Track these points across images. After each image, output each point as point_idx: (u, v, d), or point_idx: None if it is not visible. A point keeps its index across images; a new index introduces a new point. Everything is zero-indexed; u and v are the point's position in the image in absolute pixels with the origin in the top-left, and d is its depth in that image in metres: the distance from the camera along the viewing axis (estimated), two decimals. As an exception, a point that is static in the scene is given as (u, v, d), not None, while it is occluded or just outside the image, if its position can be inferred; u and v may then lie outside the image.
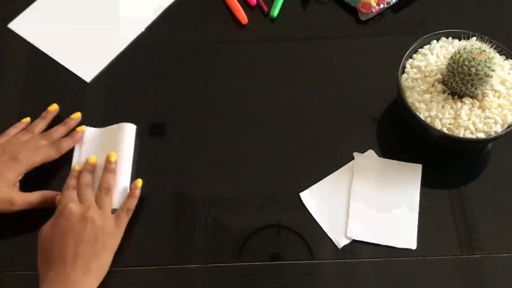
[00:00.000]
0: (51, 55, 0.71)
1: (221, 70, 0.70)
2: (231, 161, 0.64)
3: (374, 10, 0.72)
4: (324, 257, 0.58)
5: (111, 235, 0.55)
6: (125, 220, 0.57)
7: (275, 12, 0.73)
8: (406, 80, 0.62)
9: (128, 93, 0.69)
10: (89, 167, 0.60)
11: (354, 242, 0.59)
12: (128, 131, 0.63)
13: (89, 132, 0.64)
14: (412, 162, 0.63)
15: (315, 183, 0.62)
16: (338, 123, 0.66)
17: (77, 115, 0.64)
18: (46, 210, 0.58)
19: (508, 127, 0.59)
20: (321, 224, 0.60)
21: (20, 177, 0.57)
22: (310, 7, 0.75)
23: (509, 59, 0.63)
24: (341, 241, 0.59)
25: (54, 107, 0.64)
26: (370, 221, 0.60)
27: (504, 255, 0.58)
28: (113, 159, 0.60)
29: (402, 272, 0.57)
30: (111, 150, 0.62)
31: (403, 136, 0.65)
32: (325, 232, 0.59)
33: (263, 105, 0.68)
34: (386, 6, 0.73)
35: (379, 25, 0.73)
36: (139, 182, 0.59)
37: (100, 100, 0.67)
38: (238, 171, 0.63)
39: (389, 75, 0.63)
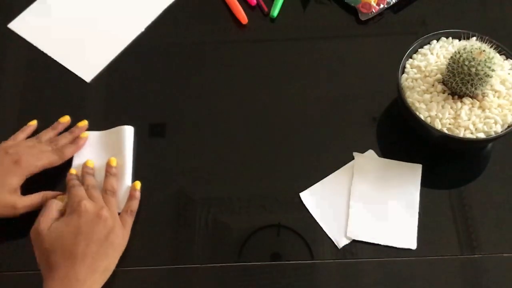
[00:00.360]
0: (51, 55, 0.71)
1: (221, 70, 0.71)
2: (231, 161, 0.64)
3: (374, 10, 0.73)
4: (324, 257, 0.58)
5: (120, 236, 0.56)
6: (130, 221, 0.58)
7: (275, 12, 0.74)
8: (406, 80, 0.63)
9: (128, 93, 0.69)
10: (90, 171, 0.61)
11: (354, 242, 0.59)
12: (127, 134, 0.64)
13: (89, 136, 0.64)
14: (412, 162, 0.63)
15: (315, 183, 0.62)
16: (338, 123, 0.66)
17: (83, 123, 0.64)
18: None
19: (508, 127, 0.59)
20: (321, 224, 0.60)
21: (21, 182, 0.58)
22: (310, 7, 0.75)
23: (509, 59, 0.63)
24: (341, 241, 0.59)
25: (66, 119, 0.65)
26: (370, 221, 0.60)
27: (504, 255, 0.58)
28: (113, 163, 0.61)
29: (402, 272, 0.58)
30: (112, 154, 0.62)
31: (403, 136, 0.65)
32: (325, 232, 0.59)
33: (263, 105, 0.68)
34: (386, 6, 0.73)
35: (379, 25, 0.73)
36: (138, 184, 0.60)
37: (100, 100, 0.67)
38: (238, 171, 0.63)
39: (389, 75, 0.64)
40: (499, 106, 0.60)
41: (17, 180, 0.57)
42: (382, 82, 0.67)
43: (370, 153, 0.64)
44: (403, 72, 0.63)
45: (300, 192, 0.62)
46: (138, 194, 0.60)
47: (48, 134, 0.63)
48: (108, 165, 0.61)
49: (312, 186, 0.62)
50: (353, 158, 0.64)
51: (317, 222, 0.60)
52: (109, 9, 0.75)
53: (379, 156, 0.64)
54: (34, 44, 0.72)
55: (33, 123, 0.64)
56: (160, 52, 0.72)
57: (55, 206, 0.56)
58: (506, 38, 0.64)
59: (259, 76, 0.70)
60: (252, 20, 0.74)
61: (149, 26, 0.73)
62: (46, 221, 0.54)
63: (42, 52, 0.71)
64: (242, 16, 0.73)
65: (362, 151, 0.64)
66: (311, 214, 0.60)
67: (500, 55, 0.62)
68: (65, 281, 0.51)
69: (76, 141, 0.63)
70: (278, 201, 0.61)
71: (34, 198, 0.58)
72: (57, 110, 0.67)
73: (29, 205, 0.57)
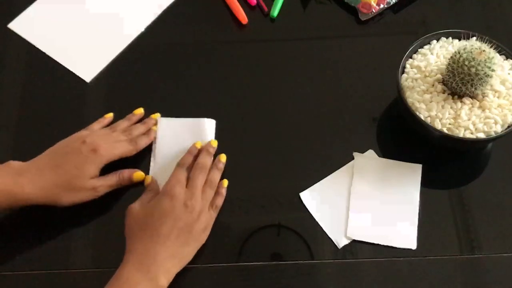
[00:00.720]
0: (51, 55, 0.71)
1: (221, 70, 0.71)
2: (231, 161, 0.64)
3: (374, 10, 0.73)
4: (324, 257, 0.59)
5: (203, 229, 0.57)
6: (214, 216, 0.59)
7: (275, 12, 0.74)
8: (406, 80, 0.63)
9: (128, 93, 0.69)
10: (212, 150, 0.62)
11: (354, 242, 0.59)
12: (210, 126, 0.64)
13: (167, 123, 0.64)
14: (412, 162, 0.63)
15: (315, 183, 0.62)
16: (338, 123, 0.66)
17: (156, 115, 0.65)
18: (43, 213, 0.58)
19: (508, 127, 0.59)
20: (321, 224, 0.60)
21: (99, 170, 0.59)
22: (310, 7, 0.75)
23: (509, 59, 0.63)
24: (341, 241, 0.59)
25: (140, 111, 0.65)
26: (370, 221, 0.60)
27: (504, 255, 0.58)
28: (223, 159, 0.62)
29: (402, 272, 0.58)
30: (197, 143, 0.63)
31: (403, 136, 0.65)
32: (325, 232, 0.60)
33: (263, 105, 0.68)
34: (386, 6, 0.73)
35: (379, 25, 0.73)
36: (225, 182, 0.61)
37: (100, 100, 0.68)
38: (238, 171, 0.63)
39: (389, 75, 0.64)
40: (499, 106, 0.60)
41: (95, 168, 0.58)
42: (382, 82, 0.68)
43: (370, 153, 0.64)
44: (403, 72, 0.63)
45: (300, 192, 0.62)
46: (224, 191, 0.61)
47: (122, 124, 0.64)
48: (218, 160, 0.62)
49: (312, 186, 0.62)
50: (353, 158, 0.64)
51: (317, 222, 0.60)
52: (109, 9, 0.75)
53: (379, 156, 0.64)
54: (34, 44, 0.72)
55: (109, 116, 0.65)
56: (160, 52, 0.72)
57: (151, 194, 0.59)
58: (506, 38, 0.64)
59: (259, 76, 0.70)
60: (252, 20, 0.74)
61: (149, 26, 0.73)
62: (142, 201, 0.57)
63: (42, 52, 0.71)
64: (242, 16, 0.73)
65: (362, 151, 0.64)
66: (311, 214, 0.61)
67: (500, 55, 0.63)
68: (143, 257, 0.53)
69: (148, 133, 0.64)
70: (278, 201, 0.61)
71: (111, 179, 0.60)
72: (56, 110, 0.67)
73: (108, 185, 0.59)
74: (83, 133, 0.61)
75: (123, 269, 0.52)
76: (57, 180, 0.56)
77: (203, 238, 0.57)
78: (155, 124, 0.65)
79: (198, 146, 0.62)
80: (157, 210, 0.55)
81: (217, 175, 0.61)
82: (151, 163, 0.62)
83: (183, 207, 0.55)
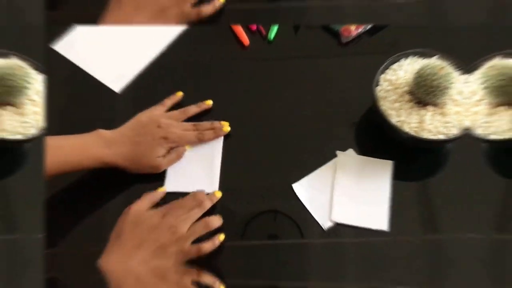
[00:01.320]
0: (87, 70, 0.74)
1: (226, 85, 0.75)
2: (236, 160, 0.68)
3: (353, 34, 0.76)
4: (312, 237, 0.63)
5: (175, 252, 0.58)
6: (192, 252, 0.59)
7: (272, 35, 0.78)
8: (380, 91, 0.66)
9: (156, 102, 0.71)
10: (218, 196, 0.66)
11: (337, 224, 0.64)
12: (219, 139, 0.69)
13: None
14: (385, 159, 0.67)
15: (305, 176, 0.67)
16: (324, 127, 0.70)
17: (226, 126, 0.69)
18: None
19: (464, 130, 0.63)
20: (310, 210, 0.65)
21: (166, 152, 0.65)
22: (300, 32, 0.79)
23: (464, 74, 0.66)
24: (326, 224, 0.64)
25: (210, 102, 0.70)
26: (350, 207, 0.64)
27: (461, 235, 0.62)
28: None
29: (377, 249, 0.62)
30: (204, 153, 0.67)
31: (377, 138, 0.69)
32: (313, 217, 0.64)
33: (262, 113, 0.72)
34: (363, 30, 0.77)
35: (358, 46, 0.76)
36: (222, 236, 0.62)
37: (129, 109, 0.69)
38: (242, 167, 0.68)
39: (366, 87, 0.67)
40: (456, 113, 0.64)
41: (163, 151, 0.65)
42: (360, 93, 0.70)
43: (350, 151, 0.68)
44: (377, 84, 0.66)
45: (292, 183, 0.66)
46: (217, 243, 0.61)
47: (192, 109, 0.68)
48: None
49: (303, 179, 0.67)
50: (336, 156, 0.68)
51: (307, 209, 0.64)
52: (135, 29, 0.77)
53: (358, 154, 0.68)
54: (75, 63, 0.75)
55: (180, 94, 0.70)
56: (178, 68, 0.75)
57: (150, 198, 0.63)
58: (462, 56, 0.66)
59: (259, 89, 0.74)
60: (252, 43, 0.78)
61: (168, 46, 0.77)
62: (137, 207, 0.61)
63: (80, 68, 0.75)
64: (245, 39, 0.78)
65: (344, 149, 0.68)
66: (301, 202, 0.65)
67: (457, 70, 0.65)
68: (119, 255, 0.57)
69: (216, 130, 0.68)
70: (274, 191, 0.66)
71: (172, 156, 0.66)
72: (91, 118, 0.71)
73: (169, 162, 0.66)
74: (159, 114, 0.66)
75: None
76: (132, 154, 0.63)
77: (173, 259, 0.58)
78: (222, 127, 0.68)
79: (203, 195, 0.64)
80: (147, 222, 0.59)
81: (216, 221, 0.62)
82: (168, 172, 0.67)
83: (167, 230, 0.58)
